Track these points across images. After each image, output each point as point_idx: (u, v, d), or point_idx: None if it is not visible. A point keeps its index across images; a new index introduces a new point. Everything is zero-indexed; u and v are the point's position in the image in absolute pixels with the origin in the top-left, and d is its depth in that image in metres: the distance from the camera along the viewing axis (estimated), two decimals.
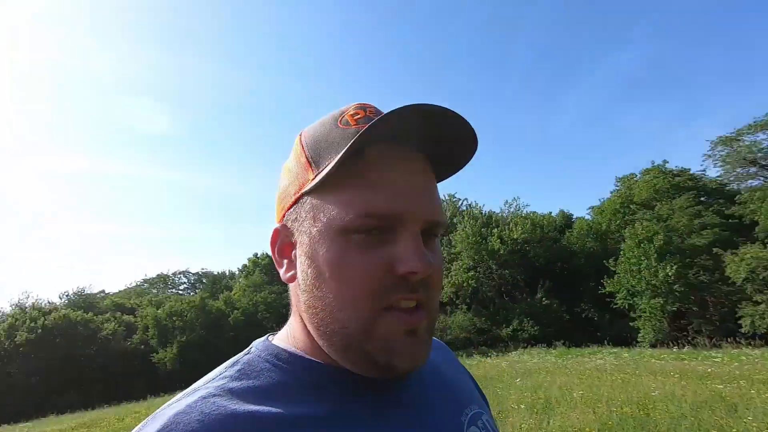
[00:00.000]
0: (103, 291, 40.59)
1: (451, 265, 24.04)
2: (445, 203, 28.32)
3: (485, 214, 25.70)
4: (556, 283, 22.21)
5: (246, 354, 0.54)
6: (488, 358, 15.89)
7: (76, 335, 24.65)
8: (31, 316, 24.69)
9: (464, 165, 0.55)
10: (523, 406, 6.24)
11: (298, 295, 0.53)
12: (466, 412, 0.59)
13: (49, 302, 28.62)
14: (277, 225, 0.56)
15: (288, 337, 0.56)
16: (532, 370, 10.71)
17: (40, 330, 23.69)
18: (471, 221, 23.95)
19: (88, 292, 36.38)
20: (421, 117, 0.46)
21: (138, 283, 45.53)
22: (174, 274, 46.74)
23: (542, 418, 5.60)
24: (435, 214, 0.50)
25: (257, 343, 0.56)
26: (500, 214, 25.86)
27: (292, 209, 0.53)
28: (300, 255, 0.51)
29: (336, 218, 0.48)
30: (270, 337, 0.57)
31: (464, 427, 0.56)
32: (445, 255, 24.65)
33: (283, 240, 0.54)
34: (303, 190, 0.51)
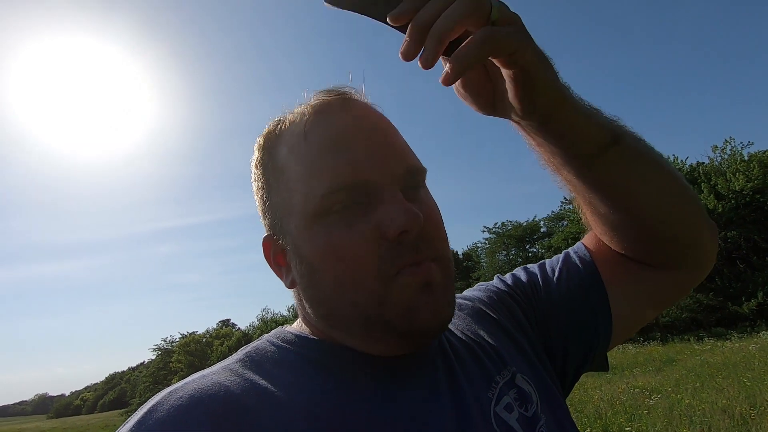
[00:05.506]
0: None
1: None
2: None
3: (686, 168, 21.23)
4: None
5: (258, 341, 0.53)
6: (728, 341, 13.11)
7: None
8: (271, 328, 31.24)
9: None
10: None
11: (301, 299, 0.51)
12: (495, 382, 0.52)
13: (281, 315, 35.93)
14: (264, 236, 0.54)
15: (300, 325, 0.55)
16: None
17: None
18: None
19: None
20: None
21: None
22: None
23: None
24: (405, 162, 0.47)
25: (271, 332, 0.56)
26: (709, 165, 20.95)
27: (270, 215, 0.52)
28: (291, 256, 0.50)
29: (307, 205, 0.46)
30: (285, 326, 0.56)
31: (491, 404, 0.50)
32: None
33: (275, 250, 0.52)
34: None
